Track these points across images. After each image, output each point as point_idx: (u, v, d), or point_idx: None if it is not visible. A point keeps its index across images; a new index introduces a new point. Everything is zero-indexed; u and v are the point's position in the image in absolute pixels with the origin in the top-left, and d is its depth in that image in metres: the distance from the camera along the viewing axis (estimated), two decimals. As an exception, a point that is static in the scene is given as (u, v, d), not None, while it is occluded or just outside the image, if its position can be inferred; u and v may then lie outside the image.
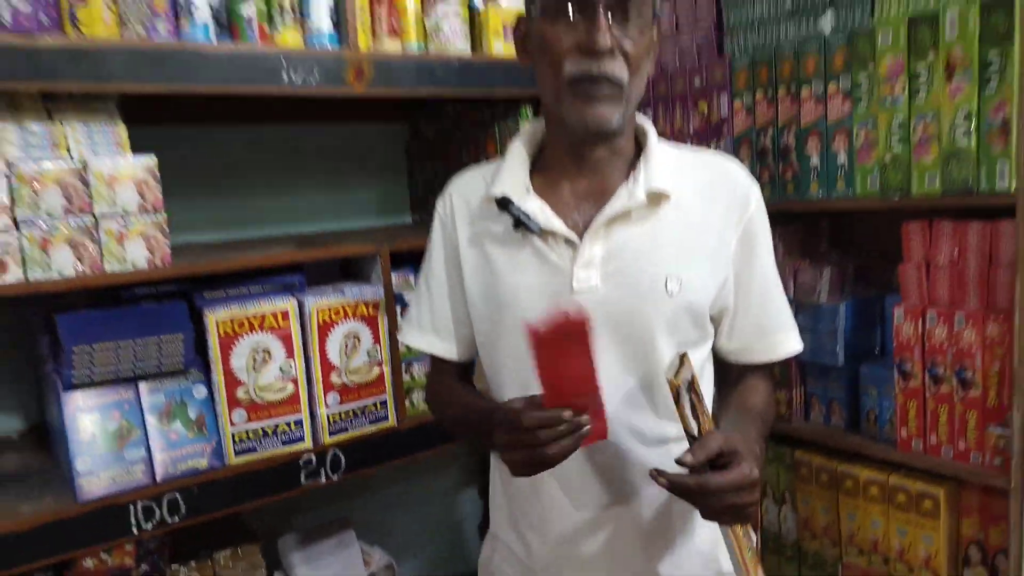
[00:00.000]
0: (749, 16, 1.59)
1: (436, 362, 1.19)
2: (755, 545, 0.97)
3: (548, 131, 1.06)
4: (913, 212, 1.39)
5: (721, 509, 0.86)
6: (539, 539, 1.07)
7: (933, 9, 1.29)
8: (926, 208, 1.36)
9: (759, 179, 1.56)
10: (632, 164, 1.03)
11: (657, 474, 0.87)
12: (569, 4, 0.92)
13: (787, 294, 1.51)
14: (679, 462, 0.85)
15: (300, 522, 2.02)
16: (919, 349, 1.38)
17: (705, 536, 1.06)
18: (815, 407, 1.61)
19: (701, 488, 0.84)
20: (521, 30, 1.04)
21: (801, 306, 1.57)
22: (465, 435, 1.20)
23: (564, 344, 0.84)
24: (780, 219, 1.59)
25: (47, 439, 1.67)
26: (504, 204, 1.00)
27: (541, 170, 1.06)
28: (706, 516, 0.88)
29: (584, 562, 1.04)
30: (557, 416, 0.86)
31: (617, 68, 0.93)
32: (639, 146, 1.05)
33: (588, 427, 0.88)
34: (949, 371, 1.35)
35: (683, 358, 0.93)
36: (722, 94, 1.62)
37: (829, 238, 1.74)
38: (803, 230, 1.68)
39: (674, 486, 0.86)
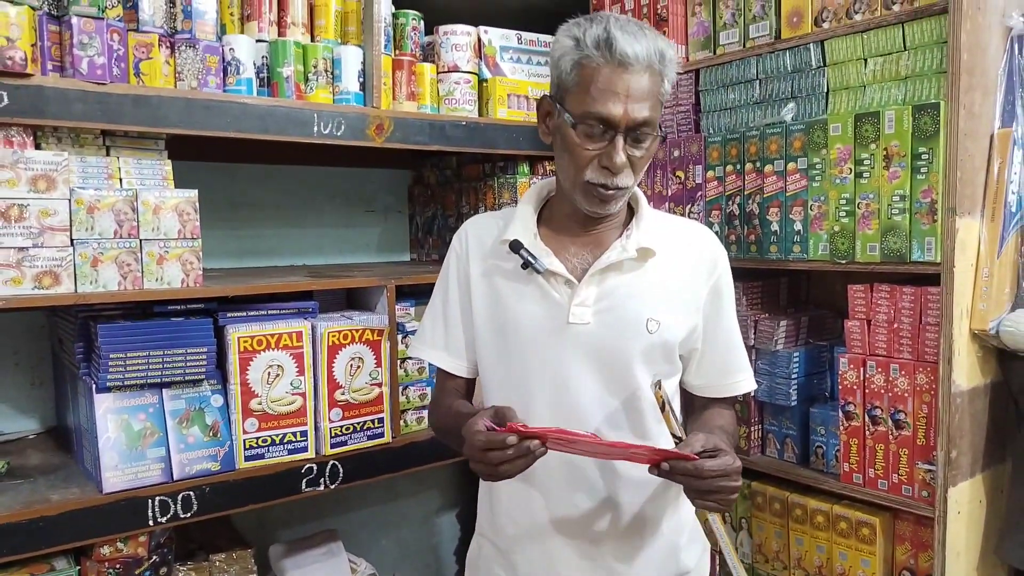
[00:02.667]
0: (723, 101, 1.83)
1: (443, 378, 1.32)
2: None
3: (558, 194, 1.25)
4: (857, 275, 1.60)
5: (710, 491, 1.01)
6: (514, 528, 1.22)
7: (875, 109, 1.54)
8: (867, 272, 1.57)
9: (727, 240, 1.78)
10: (626, 223, 1.23)
11: (656, 467, 1.01)
12: (597, 128, 1.10)
13: (748, 341, 1.73)
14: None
15: (287, 535, 2.12)
16: (860, 393, 1.58)
17: (667, 539, 1.21)
18: (771, 443, 1.79)
19: (697, 470, 1.00)
20: (545, 108, 1.20)
21: (760, 352, 1.77)
22: (451, 444, 1.26)
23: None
24: (743, 275, 1.80)
25: (64, 440, 1.79)
26: (515, 247, 1.18)
27: (547, 220, 1.25)
28: (695, 500, 1.03)
29: (554, 552, 1.19)
30: (502, 440, 0.97)
31: (627, 180, 1.13)
32: (630, 208, 1.25)
33: (540, 450, 0.98)
34: (885, 413, 1.55)
35: (659, 383, 1.11)
36: (697, 165, 1.85)
37: (787, 294, 1.95)
38: (763, 286, 1.88)
39: (674, 469, 1.00)
